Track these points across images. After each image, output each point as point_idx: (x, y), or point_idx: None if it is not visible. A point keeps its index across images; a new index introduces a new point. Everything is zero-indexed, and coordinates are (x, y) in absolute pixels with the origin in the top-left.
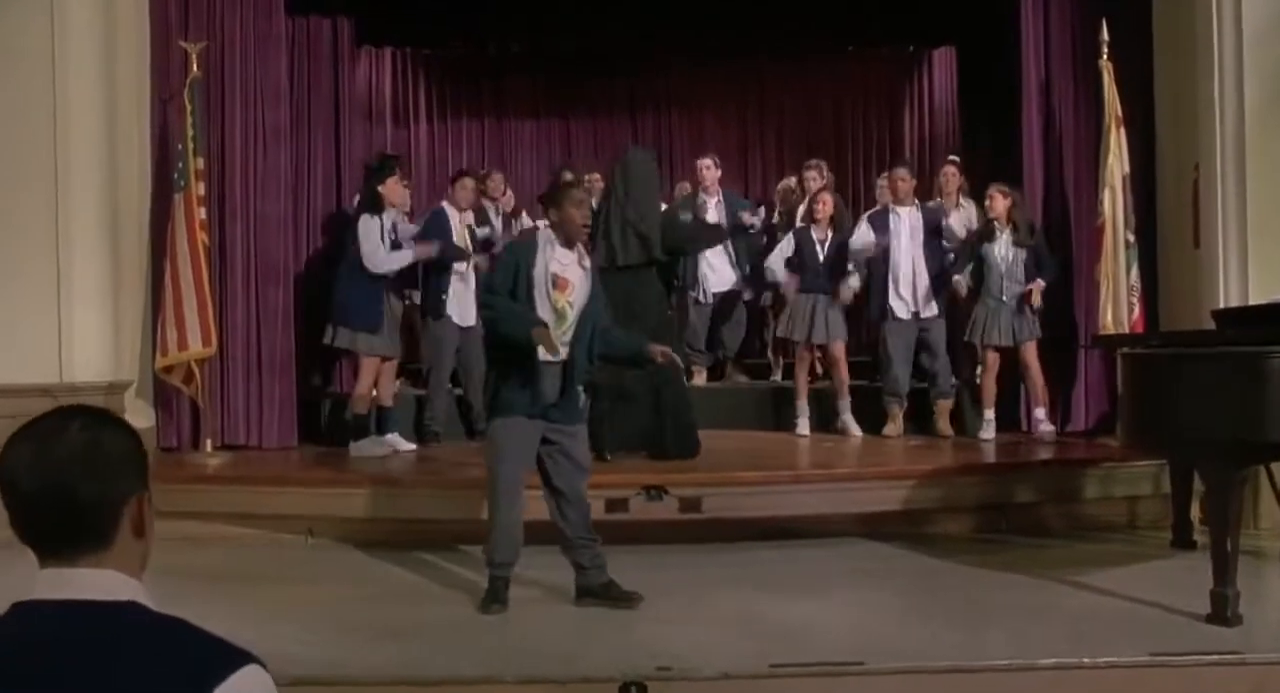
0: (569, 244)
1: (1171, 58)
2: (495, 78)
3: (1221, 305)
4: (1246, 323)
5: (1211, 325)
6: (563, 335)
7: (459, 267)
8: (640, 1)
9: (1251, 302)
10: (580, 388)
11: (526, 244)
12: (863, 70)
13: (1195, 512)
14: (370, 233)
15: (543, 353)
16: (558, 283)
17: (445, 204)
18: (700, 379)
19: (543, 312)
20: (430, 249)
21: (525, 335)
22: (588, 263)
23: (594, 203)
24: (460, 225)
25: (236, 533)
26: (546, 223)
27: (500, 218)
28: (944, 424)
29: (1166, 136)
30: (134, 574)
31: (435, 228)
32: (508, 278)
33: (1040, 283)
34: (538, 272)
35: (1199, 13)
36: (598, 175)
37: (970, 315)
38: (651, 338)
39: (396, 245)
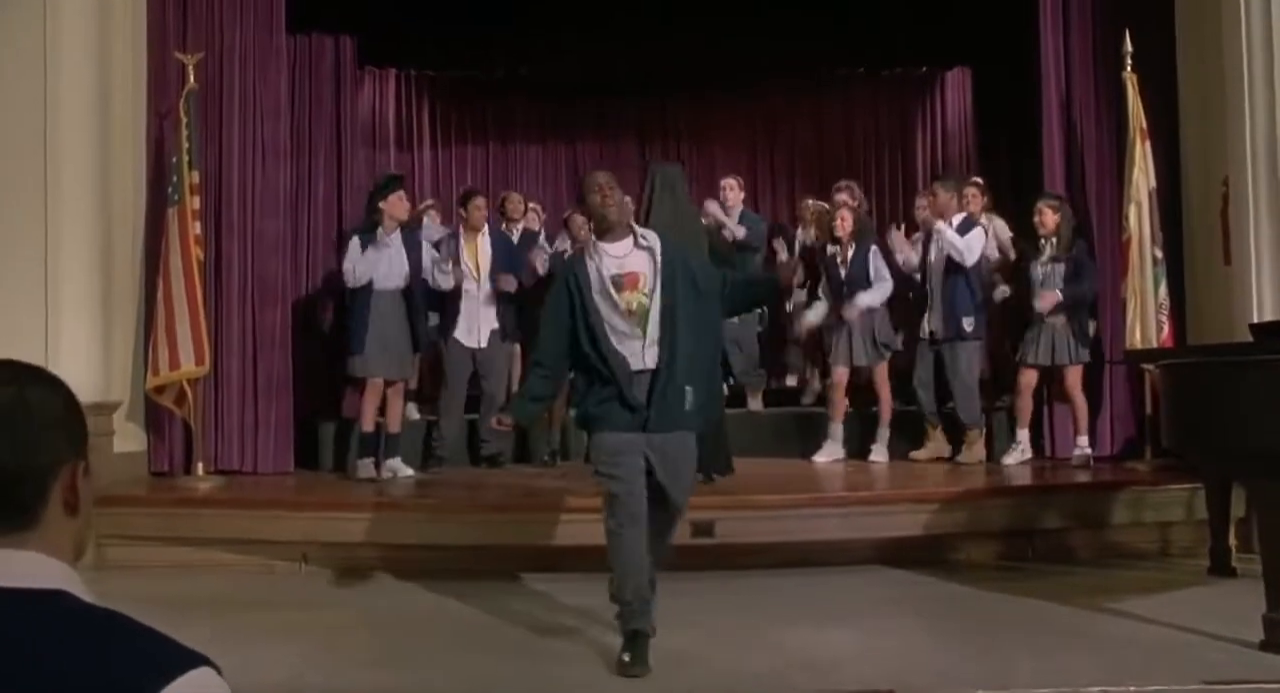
0: (613, 234)
1: (1197, 68)
2: (501, 101)
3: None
4: None
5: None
6: (645, 338)
7: (468, 287)
8: (648, 24)
9: None
10: (688, 390)
11: (572, 258)
12: (874, 93)
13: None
14: (351, 249)
15: (632, 362)
16: (623, 282)
17: (460, 230)
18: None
19: (615, 322)
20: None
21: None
22: (650, 240)
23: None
24: (470, 249)
25: (229, 559)
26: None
27: (519, 236)
28: (969, 455)
29: (1193, 149)
30: (64, 558)
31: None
32: (561, 307)
33: (1055, 294)
34: (593, 280)
35: (1226, 22)
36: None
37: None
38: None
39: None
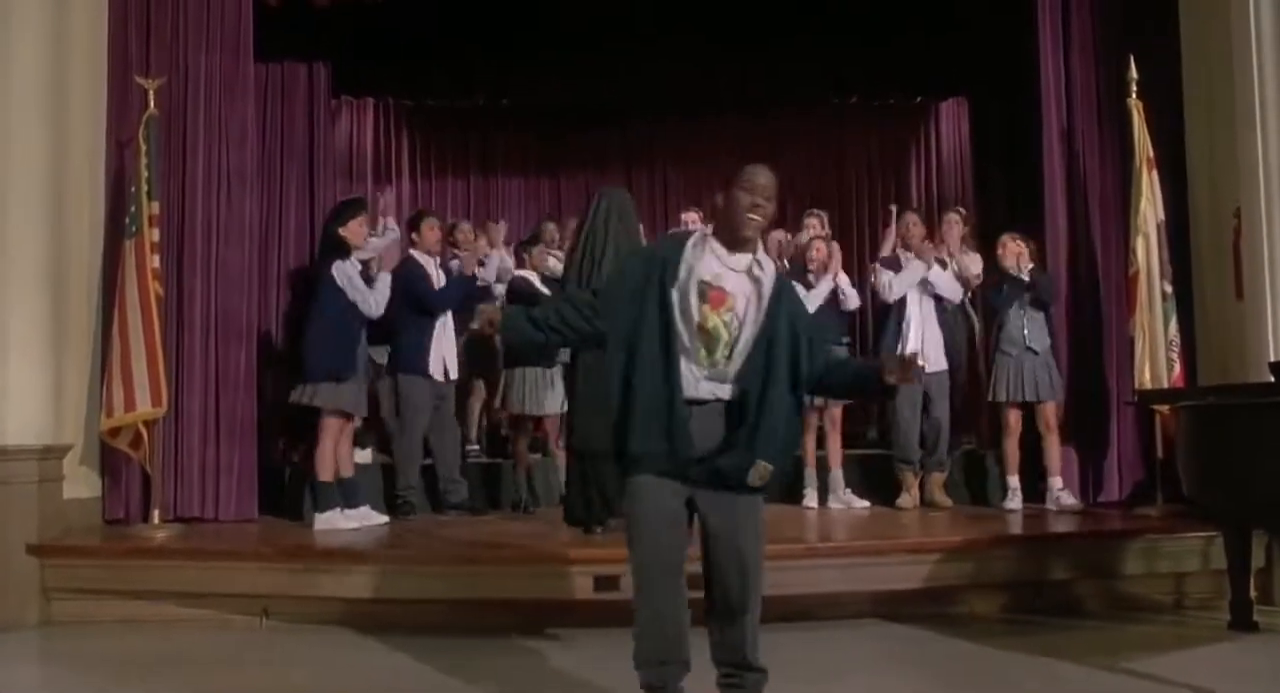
0: (733, 245)
1: (1204, 95)
2: (483, 131)
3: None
4: None
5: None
6: (718, 363)
7: (442, 317)
8: (635, 52)
9: None
10: (758, 443)
11: (672, 240)
12: (867, 122)
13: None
14: (354, 278)
15: (689, 388)
16: (709, 294)
17: (414, 252)
18: None
19: (683, 331)
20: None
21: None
22: (765, 270)
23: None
24: (437, 271)
25: (185, 614)
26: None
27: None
28: (941, 498)
29: (1201, 180)
30: None
31: (410, 276)
32: (631, 285)
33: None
34: (681, 277)
35: (1236, 47)
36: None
37: (990, 373)
38: None
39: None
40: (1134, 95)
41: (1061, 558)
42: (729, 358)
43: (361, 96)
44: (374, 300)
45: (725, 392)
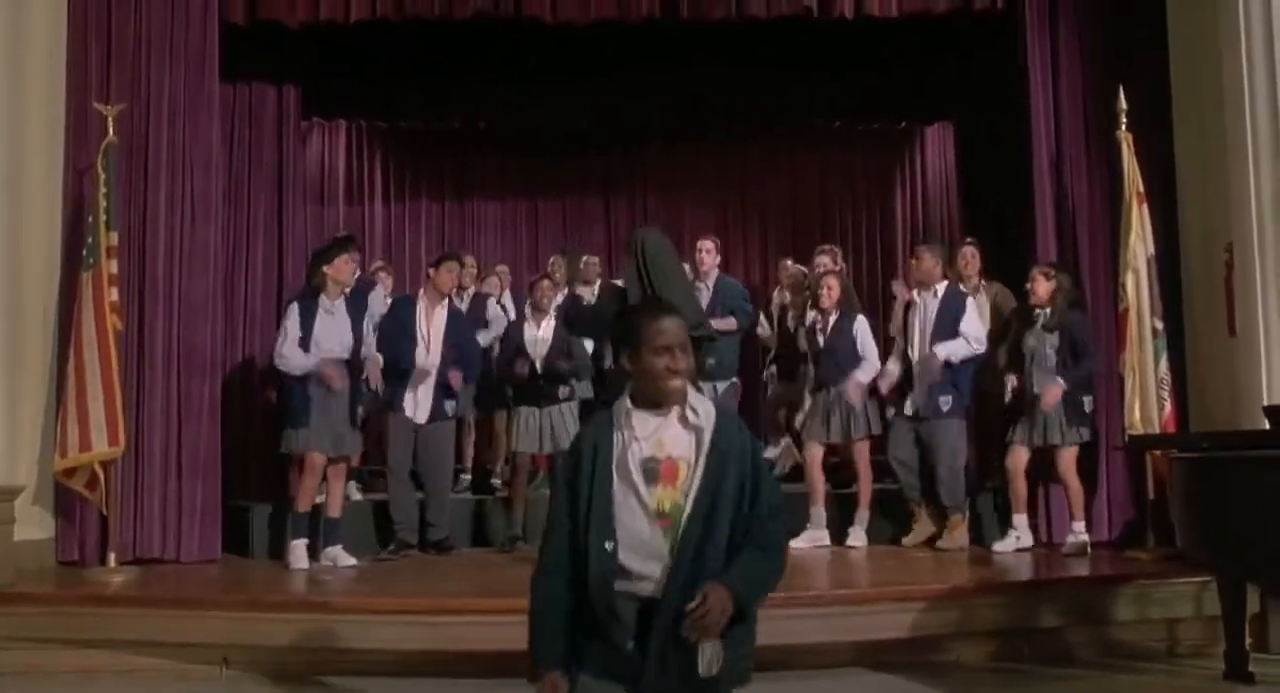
0: (657, 407)
1: (1196, 128)
2: (459, 154)
3: (1266, 400)
4: None
5: (1256, 422)
6: (670, 553)
7: (420, 360)
8: (615, 75)
9: None
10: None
11: (597, 425)
12: (852, 147)
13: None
14: (289, 321)
15: (641, 588)
16: (657, 472)
17: (421, 291)
18: None
19: (635, 525)
20: (335, 381)
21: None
22: (701, 415)
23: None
24: (428, 316)
25: (141, 664)
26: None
27: (467, 306)
28: (950, 540)
29: (1192, 214)
30: None
31: (393, 321)
32: (571, 494)
33: (1058, 386)
34: (616, 465)
35: (1228, 79)
36: (596, 259)
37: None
38: None
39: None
40: (1123, 126)
41: (1051, 604)
42: (675, 541)
43: (333, 118)
44: (283, 354)
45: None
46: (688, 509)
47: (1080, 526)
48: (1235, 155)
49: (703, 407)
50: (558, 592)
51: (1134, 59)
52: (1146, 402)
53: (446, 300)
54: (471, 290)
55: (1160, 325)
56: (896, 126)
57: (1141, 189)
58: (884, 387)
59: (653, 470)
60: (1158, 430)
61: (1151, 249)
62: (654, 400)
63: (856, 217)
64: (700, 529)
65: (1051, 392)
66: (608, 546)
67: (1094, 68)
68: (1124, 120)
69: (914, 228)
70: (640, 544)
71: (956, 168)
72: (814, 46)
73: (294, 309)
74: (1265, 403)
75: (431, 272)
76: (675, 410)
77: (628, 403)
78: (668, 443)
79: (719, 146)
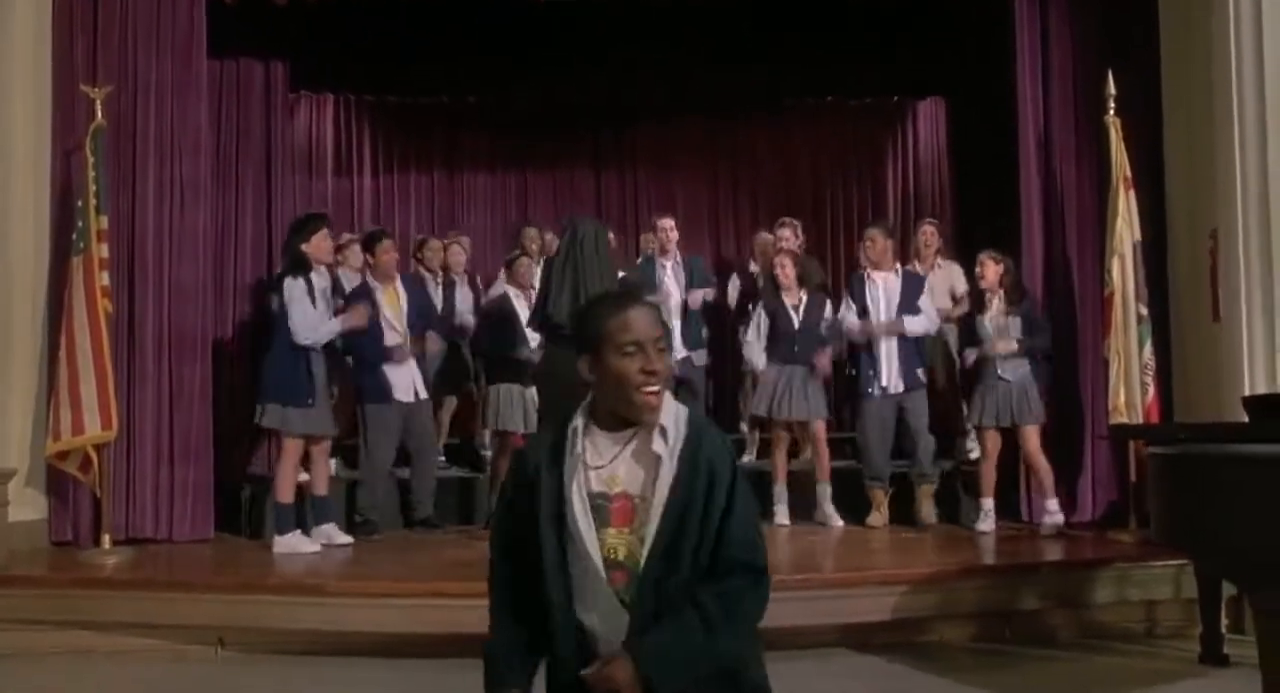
0: (620, 425)
1: (1184, 115)
2: (449, 128)
3: (1247, 387)
4: None
5: (1237, 409)
6: (629, 612)
7: (390, 341)
8: (604, 50)
9: None
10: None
11: (542, 444)
12: (842, 123)
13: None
14: (298, 298)
15: (603, 646)
16: (606, 511)
17: (369, 278)
18: None
19: (586, 577)
20: (361, 317)
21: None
22: (671, 437)
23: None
24: (388, 298)
25: (136, 645)
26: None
27: (441, 290)
28: (927, 511)
29: (1179, 200)
30: None
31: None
32: (506, 531)
33: (1012, 342)
34: (568, 495)
35: (1217, 67)
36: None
37: (970, 394)
38: None
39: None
40: (1111, 112)
41: (1032, 587)
42: (629, 588)
43: (321, 92)
44: (310, 329)
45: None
46: (643, 560)
47: (1054, 504)
48: (1222, 143)
49: (675, 423)
50: (511, 635)
51: (1125, 45)
52: (1130, 387)
53: (397, 279)
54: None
55: (1145, 311)
56: (889, 101)
57: (1128, 175)
58: (856, 331)
59: (601, 509)
60: (1140, 415)
61: (1137, 235)
62: (619, 417)
63: (848, 191)
64: (658, 586)
65: (1003, 344)
66: (573, 608)
67: (1084, 52)
68: (1112, 106)
69: (905, 202)
70: (596, 601)
71: (948, 145)
72: (806, 22)
73: (297, 285)
74: (1247, 390)
75: (369, 257)
76: (640, 432)
77: (579, 420)
78: (623, 476)
79: (709, 122)
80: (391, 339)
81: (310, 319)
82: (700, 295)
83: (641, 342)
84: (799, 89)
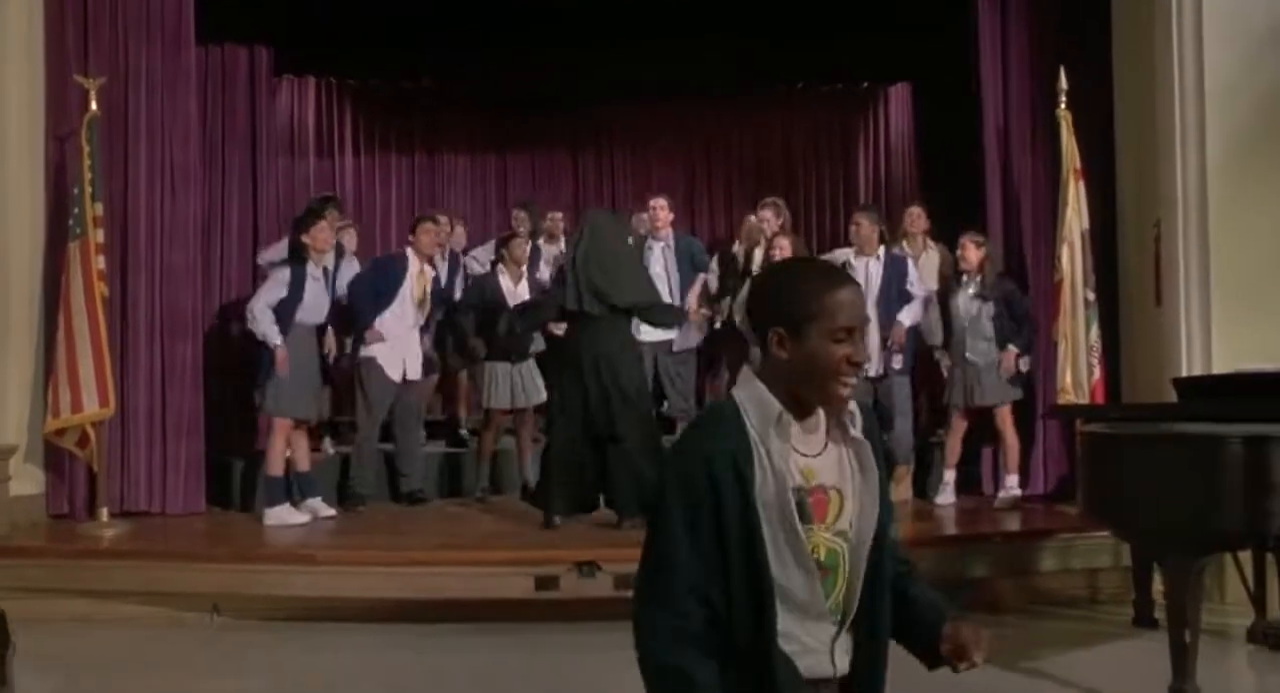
0: (803, 411)
1: (1133, 110)
2: (429, 110)
3: (1184, 369)
4: (1209, 394)
5: (1174, 392)
6: (837, 617)
7: (399, 315)
8: (583, 35)
9: (1215, 365)
10: None
11: (724, 429)
12: (815, 107)
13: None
14: (272, 283)
15: (806, 664)
16: (811, 504)
17: (409, 251)
18: None
19: (790, 581)
20: (282, 368)
21: None
22: (855, 423)
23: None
24: (416, 276)
25: (134, 612)
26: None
27: (447, 263)
28: (901, 490)
29: (1128, 191)
30: None
31: (381, 277)
32: (696, 531)
33: (1011, 350)
34: (765, 495)
35: (1160, 66)
36: (560, 215)
37: (946, 374)
38: (618, 391)
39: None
40: (1063, 106)
41: (981, 557)
42: (838, 590)
43: (304, 76)
44: (254, 314)
45: (845, 652)
46: (847, 555)
47: (1013, 480)
48: (1165, 139)
49: (857, 409)
50: (710, 676)
51: (1080, 40)
52: (1077, 367)
53: (429, 262)
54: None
55: (1092, 296)
56: (859, 87)
57: (1078, 166)
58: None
59: (804, 503)
60: (1087, 394)
61: (1086, 223)
62: (804, 404)
63: (820, 174)
64: (867, 578)
65: (1008, 358)
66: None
67: (1042, 48)
68: (1064, 100)
69: (875, 186)
70: (795, 607)
71: (913, 130)
72: (778, 7)
73: (284, 274)
74: (1184, 372)
75: (411, 237)
76: (830, 416)
77: (776, 404)
78: (818, 467)
79: (685, 105)
80: (408, 316)
81: (259, 308)
82: (702, 280)
83: (853, 328)
84: (773, 74)
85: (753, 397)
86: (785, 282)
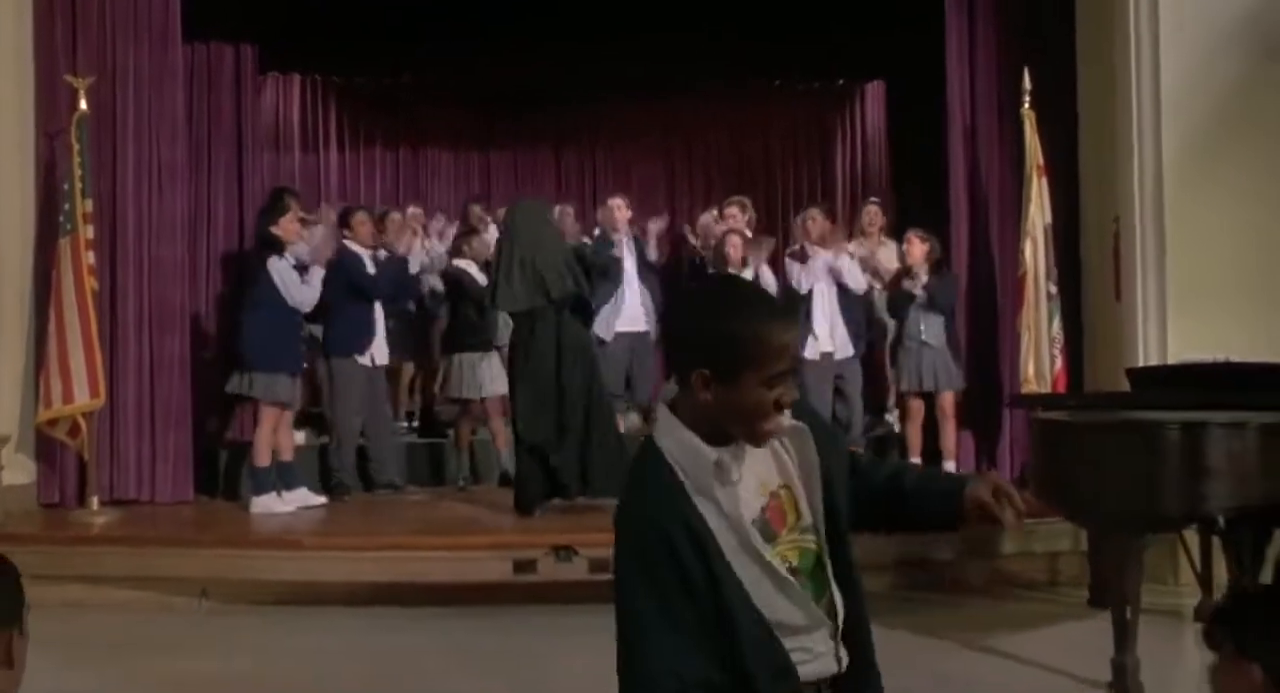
0: (725, 438)
1: (1095, 109)
2: (412, 106)
3: (1141, 360)
4: (1160, 384)
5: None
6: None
7: (360, 306)
8: (564, 33)
9: (1170, 356)
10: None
11: (658, 491)
12: (792, 104)
13: None
14: (286, 274)
15: (806, 668)
16: (769, 524)
17: (348, 243)
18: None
19: (774, 601)
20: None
21: None
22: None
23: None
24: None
25: (125, 597)
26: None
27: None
28: None
29: (1090, 188)
30: None
31: (348, 266)
32: (671, 590)
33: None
34: (721, 531)
35: (1118, 66)
36: (570, 209)
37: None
38: (584, 380)
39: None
40: (1027, 105)
41: (945, 539)
42: (811, 589)
43: (289, 73)
44: (308, 298)
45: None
46: (824, 549)
47: (950, 466)
48: (1123, 138)
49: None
50: None
51: (1044, 40)
52: (1040, 358)
53: (370, 251)
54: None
55: (1054, 290)
56: (835, 85)
57: (1041, 163)
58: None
59: (765, 526)
60: (1049, 384)
61: (1049, 219)
62: (723, 437)
63: (798, 170)
64: (844, 562)
65: (938, 337)
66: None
67: (1008, 46)
68: (1028, 100)
69: (853, 182)
70: (784, 625)
71: (886, 127)
72: (757, 7)
73: (284, 263)
74: (1141, 363)
75: (347, 230)
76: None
77: (708, 449)
78: (765, 477)
79: (666, 102)
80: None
81: (304, 292)
82: (655, 229)
83: (791, 370)
84: (752, 71)
85: (682, 447)
86: (714, 318)
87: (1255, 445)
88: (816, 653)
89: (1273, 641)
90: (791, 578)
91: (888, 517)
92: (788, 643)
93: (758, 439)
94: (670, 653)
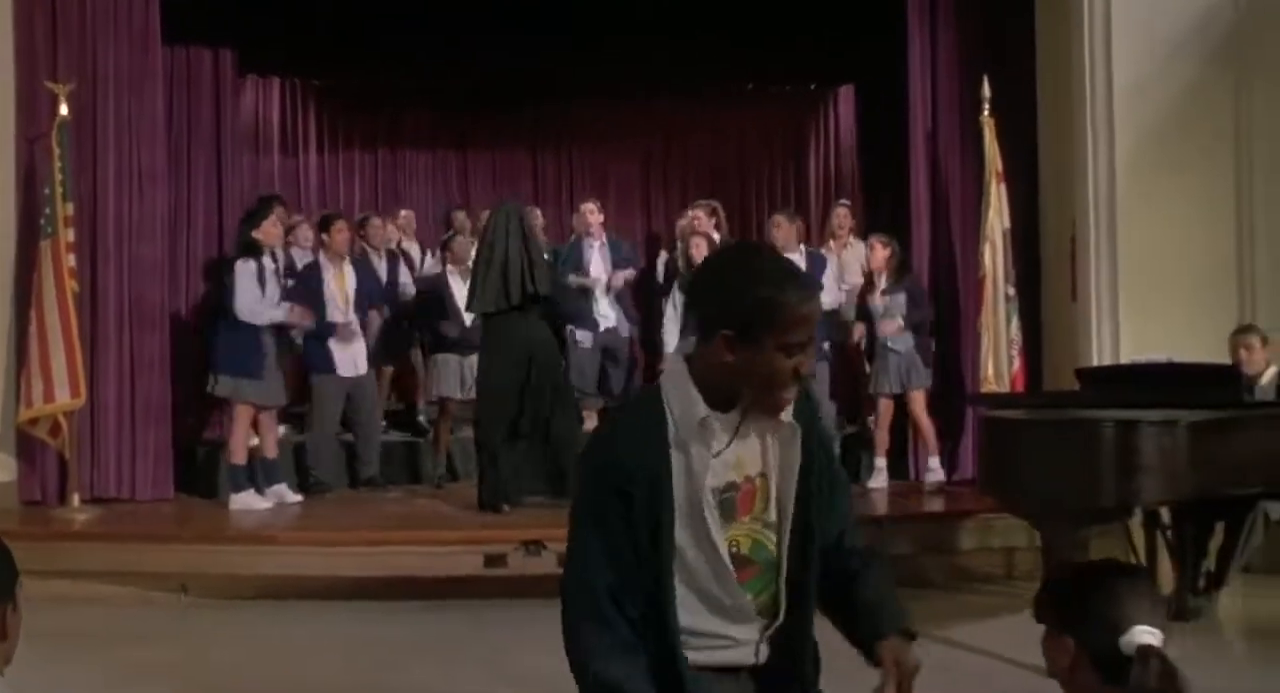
0: (729, 405)
1: (1054, 115)
2: (390, 108)
3: (1095, 359)
4: (1107, 383)
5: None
6: (763, 618)
7: (335, 318)
8: (541, 36)
9: (1123, 355)
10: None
11: (635, 432)
12: (766, 108)
13: None
14: (243, 279)
15: (725, 654)
16: (733, 504)
17: (322, 257)
18: (591, 422)
19: (707, 583)
20: (304, 317)
21: None
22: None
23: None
24: (335, 278)
25: (107, 592)
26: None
27: (385, 262)
28: None
29: (1049, 192)
30: None
31: (304, 286)
32: (609, 528)
33: (897, 322)
34: (679, 495)
35: (1074, 74)
36: (538, 211)
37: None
38: (549, 381)
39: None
40: (987, 112)
41: (906, 535)
42: (763, 584)
43: (267, 76)
44: (249, 308)
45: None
46: (779, 547)
47: (935, 462)
48: (1079, 143)
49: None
50: (645, 688)
51: (1005, 47)
52: (999, 359)
53: (347, 259)
54: (384, 251)
55: (1013, 292)
56: (807, 89)
57: (1000, 169)
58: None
59: (729, 502)
60: (1008, 383)
61: (1007, 224)
62: (734, 399)
63: (773, 172)
64: (801, 573)
65: (888, 325)
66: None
67: (968, 55)
68: (987, 106)
69: (826, 185)
70: (716, 604)
71: (856, 131)
72: (732, 10)
73: (248, 268)
74: (1095, 362)
75: (324, 237)
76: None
77: (702, 406)
78: (747, 459)
79: (643, 105)
80: (336, 316)
81: (249, 300)
82: (622, 276)
83: (810, 340)
84: (727, 74)
85: (680, 395)
86: (744, 282)
87: (1185, 442)
88: (737, 641)
89: (1084, 615)
90: (728, 559)
91: (826, 605)
92: (709, 618)
93: (772, 409)
94: (613, 581)
